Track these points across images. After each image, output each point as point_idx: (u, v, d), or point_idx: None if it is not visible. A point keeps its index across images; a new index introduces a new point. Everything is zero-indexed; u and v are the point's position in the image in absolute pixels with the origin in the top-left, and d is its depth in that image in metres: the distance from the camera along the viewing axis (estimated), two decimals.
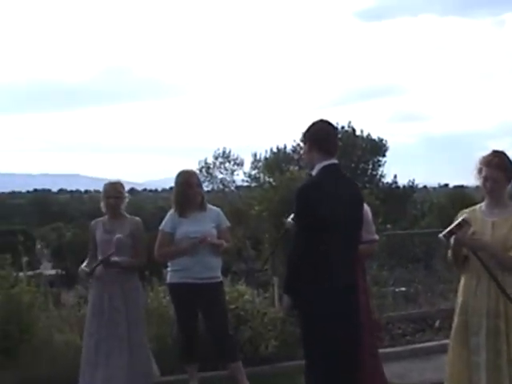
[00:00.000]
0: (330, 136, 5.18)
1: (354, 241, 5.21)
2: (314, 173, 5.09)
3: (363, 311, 5.78)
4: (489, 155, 4.91)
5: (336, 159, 5.14)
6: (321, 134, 5.13)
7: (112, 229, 6.56)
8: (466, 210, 5.08)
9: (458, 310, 4.99)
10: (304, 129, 5.19)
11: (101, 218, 6.71)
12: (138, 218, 6.75)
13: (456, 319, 5.00)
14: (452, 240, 4.80)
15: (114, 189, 6.64)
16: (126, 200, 6.72)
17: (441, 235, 4.83)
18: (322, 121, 5.21)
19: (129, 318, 6.45)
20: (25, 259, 8.33)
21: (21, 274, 8.02)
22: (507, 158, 4.92)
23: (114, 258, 6.34)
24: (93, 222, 6.75)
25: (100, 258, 6.48)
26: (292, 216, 5.47)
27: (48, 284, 8.53)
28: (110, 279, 6.44)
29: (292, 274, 4.99)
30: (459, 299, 5.00)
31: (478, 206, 5.05)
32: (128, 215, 6.71)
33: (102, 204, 6.63)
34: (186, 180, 6.71)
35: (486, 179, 4.88)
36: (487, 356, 4.76)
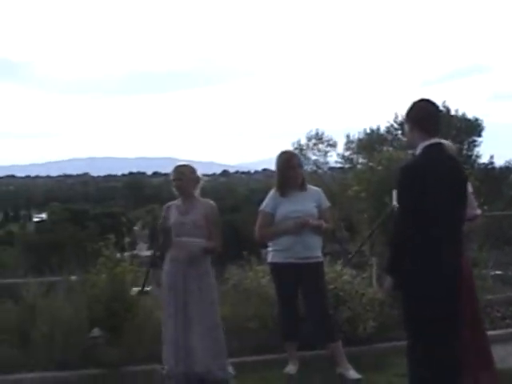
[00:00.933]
0: (432, 115, 5.12)
1: (460, 220, 5.14)
2: (416, 152, 5.05)
3: (467, 290, 5.71)
4: None
5: (439, 138, 5.08)
6: (422, 113, 5.08)
7: (186, 210, 6.63)
8: None
9: None
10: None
11: (175, 201, 6.79)
12: (212, 202, 6.76)
13: None
14: None
15: (177, 171, 6.71)
16: (199, 183, 6.74)
17: None
18: (423, 100, 5.15)
19: (202, 300, 6.53)
20: (127, 240, 8.53)
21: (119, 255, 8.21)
22: None
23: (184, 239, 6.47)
24: (166, 206, 6.84)
25: (174, 239, 6.61)
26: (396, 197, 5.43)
27: (149, 264, 8.70)
28: (185, 261, 6.55)
29: (396, 255, 4.97)
30: None
31: None
32: (202, 198, 6.76)
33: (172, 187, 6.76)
34: (288, 161, 6.75)
35: None
36: None
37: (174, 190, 6.74)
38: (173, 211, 6.68)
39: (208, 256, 6.69)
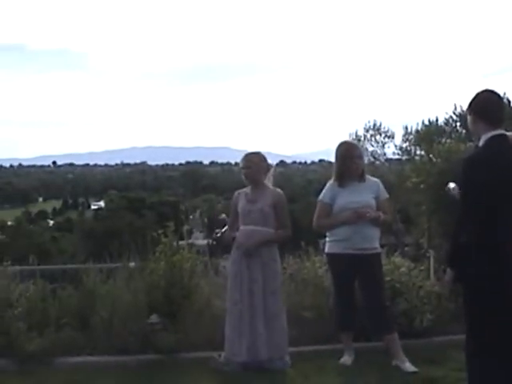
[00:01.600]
0: (495, 106, 5.05)
1: None
2: (480, 144, 4.99)
3: None
4: None
5: (503, 129, 5.01)
6: (486, 104, 5.02)
7: (254, 199, 6.67)
8: None
9: None
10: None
11: (244, 189, 6.84)
12: (279, 190, 6.79)
13: None
14: None
15: (246, 160, 6.75)
16: (269, 171, 6.77)
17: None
18: (486, 90, 5.09)
19: (266, 288, 6.56)
20: (186, 228, 8.61)
21: (180, 242, 8.29)
22: None
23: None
24: (236, 193, 6.89)
25: (241, 227, 6.67)
26: (452, 184, 5.39)
27: (207, 253, 8.77)
28: (250, 250, 6.58)
29: (456, 248, 4.93)
30: None
31: None
32: (271, 186, 6.77)
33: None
34: (348, 151, 6.74)
35: None
36: None
37: (243, 178, 6.80)
38: (242, 199, 6.75)
39: (274, 244, 6.73)
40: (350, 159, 6.70)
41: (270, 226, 6.64)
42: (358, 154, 6.80)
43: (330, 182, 6.83)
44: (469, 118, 5.08)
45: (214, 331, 7.13)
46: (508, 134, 5.10)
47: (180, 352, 7.05)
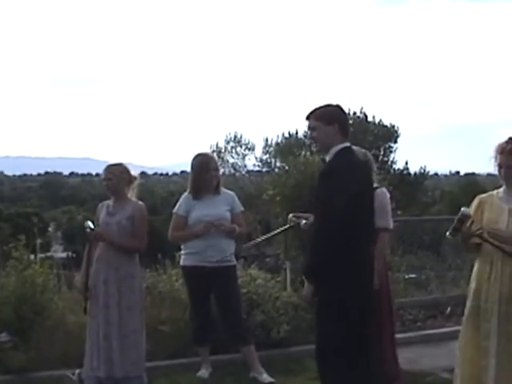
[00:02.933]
0: (347, 118, 5.16)
1: (372, 227, 5.20)
2: (331, 156, 4.99)
3: (384, 296, 5.79)
4: (503, 142, 4.89)
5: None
6: (344, 116, 5.11)
7: (114, 211, 6.54)
8: (484, 195, 5.06)
9: (470, 296, 4.99)
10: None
11: (107, 201, 6.70)
12: (141, 203, 6.62)
13: (468, 304, 5.00)
14: (460, 236, 4.80)
15: (107, 171, 6.55)
16: (132, 183, 6.59)
17: (448, 235, 4.81)
18: (338, 105, 5.16)
19: (121, 304, 6.43)
20: (38, 241, 8.36)
21: (32, 256, 8.05)
22: None
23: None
24: (100, 205, 6.73)
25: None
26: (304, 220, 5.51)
27: (61, 266, 8.53)
28: (107, 262, 6.42)
29: (316, 261, 4.95)
30: (472, 284, 5.00)
31: (495, 192, 5.02)
32: (134, 199, 6.64)
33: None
34: (203, 163, 6.72)
35: (500, 166, 4.87)
36: (498, 341, 4.76)
37: (105, 189, 6.62)
38: (103, 211, 6.59)
39: (134, 258, 6.59)
40: (205, 171, 6.67)
41: (127, 239, 6.50)
42: (214, 166, 6.77)
43: (185, 195, 6.80)
44: (326, 128, 4.96)
45: (68, 348, 6.94)
46: (353, 147, 5.20)
47: (32, 371, 6.79)
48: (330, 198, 4.83)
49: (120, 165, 6.64)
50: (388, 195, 6.02)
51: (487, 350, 4.81)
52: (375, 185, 5.88)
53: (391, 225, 5.93)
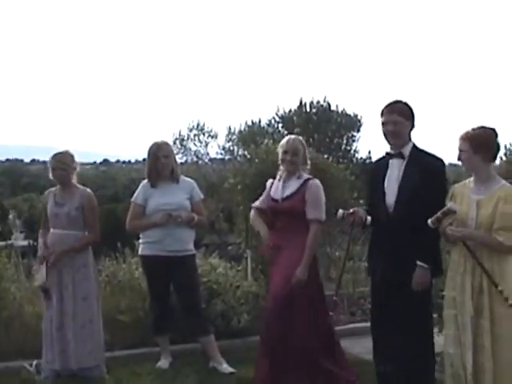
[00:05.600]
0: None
1: None
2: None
3: (313, 285, 5.85)
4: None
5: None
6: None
7: (62, 202, 6.45)
8: (457, 186, 5.09)
9: (447, 285, 5.04)
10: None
11: (53, 189, 6.59)
12: (89, 190, 6.57)
13: (446, 294, 5.05)
14: (440, 228, 4.85)
15: (59, 161, 6.47)
16: (76, 170, 6.54)
17: (429, 222, 4.82)
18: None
19: (76, 294, 6.37)
20: None
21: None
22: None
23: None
24: (46, 192, 6.64)
25: (51, 230, 6.48)
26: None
27: (20, 255, 8.40)
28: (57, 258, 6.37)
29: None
30: (448, 274, 5.04)
31: (467, 181, 5.04)
32: (80, 186, 6.55)
33: (50, 175, 6.52)
34: (154, 151, 6.65)
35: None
36: (472, 333, 4.78)
37: (52, 178, 6.52)
38: (50, 199, 6.50)
39: (86, 248, 6.51)
40: (156, 158, 6.61)
41: (79, 229, 6.43)
42: (164, 153, 6.66)
43: (143, 183, 6.73)
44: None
45: (26, 339, 6.86)
46: None
47: None
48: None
49: (67, 153, 6.54)
50: (321, 187, 6.02)
51: (464, 344, 4.83)
52: (307, 176, 5.97)
53: (323, 216, 5.95)
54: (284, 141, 6.00)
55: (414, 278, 5.15)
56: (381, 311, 5.49)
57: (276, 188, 6.01)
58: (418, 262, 5.13)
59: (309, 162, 6.09)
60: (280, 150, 5.99)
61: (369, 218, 5.38)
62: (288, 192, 5.91)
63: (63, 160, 6.47)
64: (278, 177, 6.06)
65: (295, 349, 5.69)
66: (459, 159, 4.95)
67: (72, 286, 6.35)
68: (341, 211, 5.40)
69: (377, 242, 5.42)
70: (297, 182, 5.92)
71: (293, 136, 6.05)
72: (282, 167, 6.01)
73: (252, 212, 6.22)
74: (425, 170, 5.18)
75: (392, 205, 5.29)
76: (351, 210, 5.39)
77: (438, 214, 4.77)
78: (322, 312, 5.85)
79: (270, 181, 6.16)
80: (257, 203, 6.18)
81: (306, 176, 5.95)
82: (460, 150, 4.90)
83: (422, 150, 5.36)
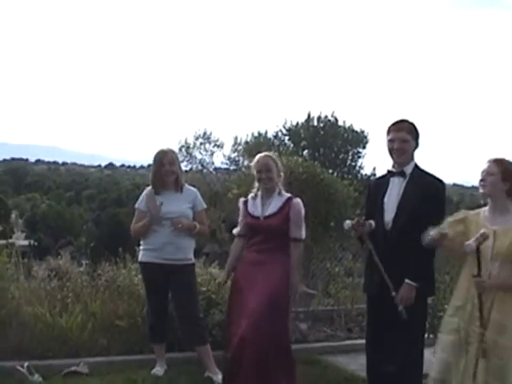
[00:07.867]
0: None
1: None
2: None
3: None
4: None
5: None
6: None
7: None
8: (471, 213, 5.06)
9: (458, 294, 5.03)
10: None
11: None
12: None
13: (454, 303, 5.04)
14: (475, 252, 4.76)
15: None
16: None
17: (469, 243, 4.72)
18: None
19: None
20: None
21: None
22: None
23: None
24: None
25: None
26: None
27: (20, 255, 8.38)
28: None
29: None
30: (460, 284, 5.03)
31: (482, 210, 5.02)
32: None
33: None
34: (160, 158, 6.65)
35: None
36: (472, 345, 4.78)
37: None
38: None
39: None
40: (160, 166, 6.62)
41: None
42: (170, 160, 6.67)
43: (147, 189, 6.73)
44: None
45: (24, 339, 6.84)
46: None
47: None
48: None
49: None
50: (302, 205, 6.11)
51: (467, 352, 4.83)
52: (288, 195, 6.13)
53: (304, 235, 6.13)
54: (255, 160, 6.20)
55: (399, 292, 5.22)
56: (376, 327, 5.53)
57: (254, 205, 6.18)
58: (406, 280, 5.20)
59: (282, 174, 6.23)
60: (254, 171, 6.17)
61: (373, 223, 5.46)
62: (271, 210, 6.08)
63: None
64: (252, 195, 6.25)
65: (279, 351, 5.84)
66: (482, 181, 4.92)
67: None
68: (348, 222, 5.45)
69: (373, 258, 5.44)
70: (278, 201, 6.10)
71: (262, 154, 6.24)
72: (257, 185, 6.18)
73: (235, 240, 6.45)
74: (425, 189, 5.25)
75: (390, 222, 5.36)
76: (356, 220, 5.44)
77: (480, 240, 4.69)
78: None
79: (242, 199, 6.37)
80: (237, 230, 6.40)
81: (286, 194, 6.13)
82: (487, 173, 4.89)
83: (423, 170, 5.44)
